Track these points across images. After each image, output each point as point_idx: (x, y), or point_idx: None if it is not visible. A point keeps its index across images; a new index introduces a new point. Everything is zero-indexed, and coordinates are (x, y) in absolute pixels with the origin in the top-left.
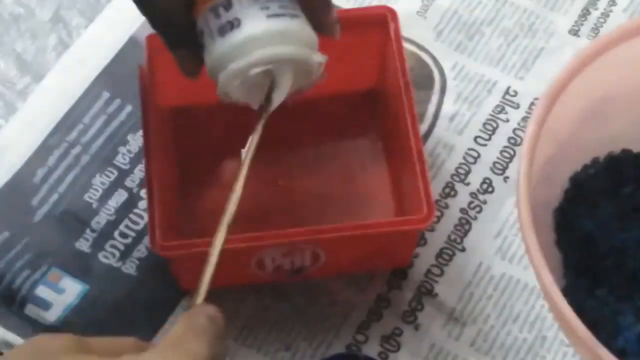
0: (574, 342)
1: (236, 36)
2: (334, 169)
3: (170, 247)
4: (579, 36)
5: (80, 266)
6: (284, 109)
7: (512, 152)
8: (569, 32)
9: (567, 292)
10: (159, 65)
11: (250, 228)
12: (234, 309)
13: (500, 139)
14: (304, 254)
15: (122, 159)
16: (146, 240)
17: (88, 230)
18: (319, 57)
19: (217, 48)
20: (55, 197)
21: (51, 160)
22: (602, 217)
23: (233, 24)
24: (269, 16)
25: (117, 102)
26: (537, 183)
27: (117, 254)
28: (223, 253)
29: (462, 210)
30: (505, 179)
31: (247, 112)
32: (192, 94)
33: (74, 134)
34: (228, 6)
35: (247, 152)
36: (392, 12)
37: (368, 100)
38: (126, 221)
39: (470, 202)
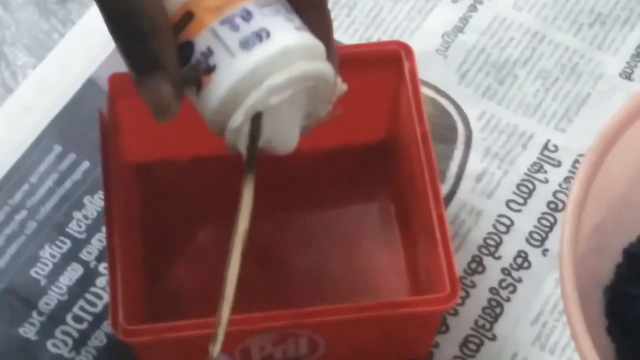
0: None
1: (269, 48)
2: (336, 238)
3: (137, 332)
4: (632, 80)
5: (24, 358)
6: (275, 164)
7: (552, 220)
8: (620, 74)
9: None
10: (123, 112)
11: (234, 312)
12: None
13: (537, 204)
14: (299, 341)
15: (76, 227)
16: (105, 325)
17: (34, 313)
18: (342, 85)
19: (243, 65)
20: None
21: None
22: None
23: (261, 36)
24: (297, 28)
25: (72, 157)
26: (583, 256)
27: (70, 342)
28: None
29: (491, 289)
30: (544, 252)
31: (229, 169)
32: (162, 147)
33: (18, 196)
34: (248, 17)
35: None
36: (407, 49)
37: (378, 155)
38: (81, 302)
39: (502, 280)
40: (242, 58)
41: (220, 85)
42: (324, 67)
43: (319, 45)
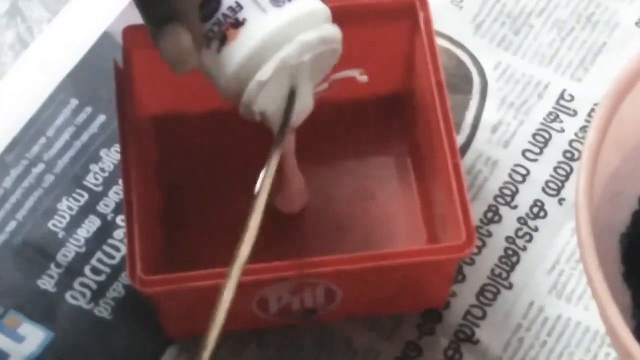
0: None
1: (299, 7)
2: (352, 189)
3: (154, 282)
4: None
5: (43, 309)
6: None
7: (568, 169)
8: (636, 23)
9: (638, 336)
10: (139, 65)
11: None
12: (232, 359)
13: (553, 153)
14: (316, 291)
15: (93, 180)
16: (123, 277)
17: (53, 266)
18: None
19: (275, 20)
20: (13, 225)
21: (8, 181)
22: None
23: None
24: None
25: (88, 110)
26: (599, 203)
27: (89, 293)
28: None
29: (508, 239)
30: (561, 200)
31: (246, 123)
32: (179, 99)
33: (35, 150)
34: None
35: (261, 187)
36: (422, 0)
37: (393, 106)
38: (99, 254)
39: (518, 229)
40: (274, 14)
41: (250, 38)
42: (339, 33)
43: (330, 13)
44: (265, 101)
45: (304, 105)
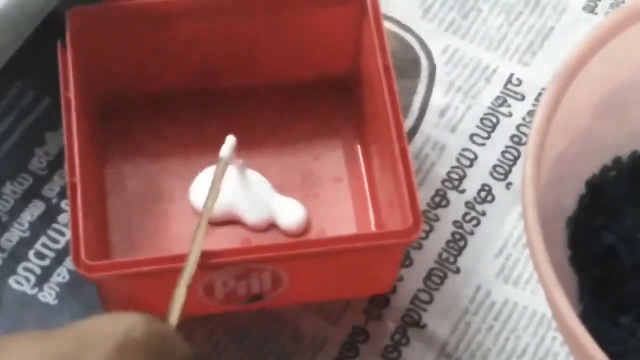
0: None
1: None
2: (298, 176)
3: (99, 268)
4: (596, 14)
5: None
6: (237, 101)
7: (516, 154)
8: (584, 9)
9: (584, 320)
10: (84, 48)
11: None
12: None
13: (501, 138)
14: (262, 276)
15: (38, 164)
16: (68, 262)
17: None
18: None
19: None
20: None
21: None
22: (626, 228)
23: None
24: None
25: (32, 94)
26: (546, 188)
27: (33, 278)
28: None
29: (455, 223)
30: (508, 185)
31: (194, 105)
32: (125, 82)
33: None
34: None
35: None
36: None
37: (341, 90)
38: (43, 239)
39: (466, 214)
40: None
41: None
42: None
43: None
44: None
45: None
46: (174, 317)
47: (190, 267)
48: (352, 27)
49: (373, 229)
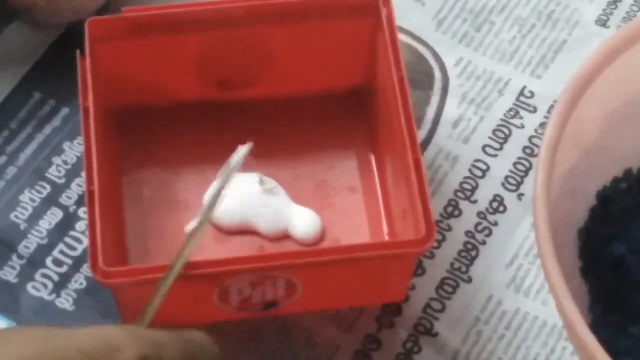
0: None
1: None
2: (313, 184)
3: (116, 274)
4: (607, 27)
5: (5, 300)
6: (251, 111)
7: (527, 165)
8: (596, 22)
9: (594, 330)
10: (102, 57)
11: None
12: None
13: (513, 149)
14: (276, 284)
15: (56, 172)
16: (85, 268)
17: (14, 257)
18: None
19: None
20: None
21: None
22: (636, 240)
23: None
24: None
25: (51, 103)
26: (557, 199)
27: (50, 285)
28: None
29: (467, 233)
30: (520, 196)
31: (210, 115)
32: (142, 92)
33: None
34: None
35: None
36: None
37: (355, 101)
38: (61, 246)
39: (478, 224)
40: None
41: None
42: None
43: None
44: None
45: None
46: (146, 321)
47: (175, 271)
48: (367, 38)
49: (386, 238)
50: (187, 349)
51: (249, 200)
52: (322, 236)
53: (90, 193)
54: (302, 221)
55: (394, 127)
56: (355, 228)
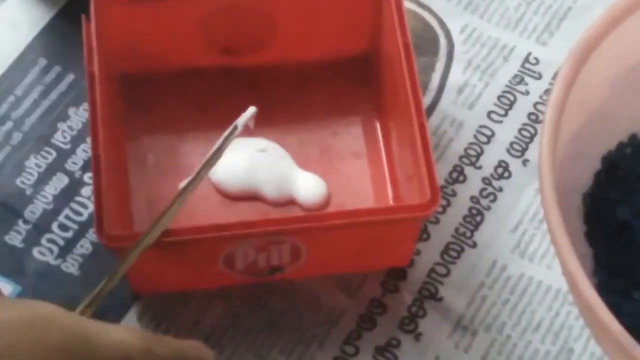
0: (610, 350)
1: None
2: (318, 152)
3: (121, 238)
4: None
5: (11, 264)
6: (255, 79)
7: (532, 131)
8: None
9: (599, 294)
10: (107, 23)
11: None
12: (197, 316)
13: (518, 115)
14: (282, 248)
15: (61, 138)
16: (90, 234)
17: (20, 222)
18: None
19: None
20: None
21: None
22: None
23: None
24: None
25: (57, 69)
26: (562, 163)
27: (56, 249)
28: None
29: (472, 198)
30: (525, 162)
31: (216, 81)
32: (147, 57)
33: (3, 108)
34: None
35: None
36: None
37: (360, 67)
38: (66, 211)
39: (483, 189)
40: None
41: None
42: None
43: None
44: None
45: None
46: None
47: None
48: (372, 3)
49: (391, 203)
50: None
51: (254, 165)
52: (327, 202)
53: (96, 157)
54: (308, 186)
55: (399, 93)
56: (360, 193)
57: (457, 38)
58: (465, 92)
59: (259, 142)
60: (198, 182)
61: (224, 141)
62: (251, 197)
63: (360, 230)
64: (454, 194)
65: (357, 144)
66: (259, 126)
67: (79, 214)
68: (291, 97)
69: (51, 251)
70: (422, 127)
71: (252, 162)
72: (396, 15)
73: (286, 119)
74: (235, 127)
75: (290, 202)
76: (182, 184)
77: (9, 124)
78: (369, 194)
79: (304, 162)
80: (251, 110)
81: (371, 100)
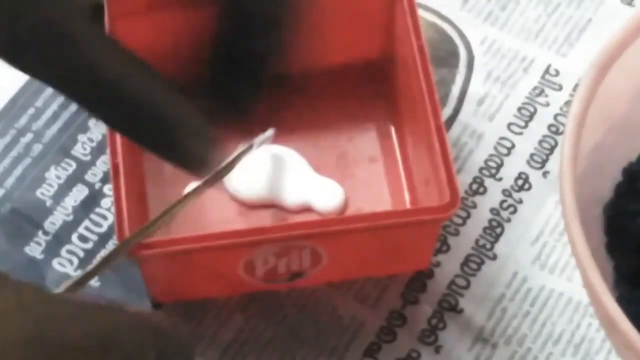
0: None
1: None
2: (334, 155)
3: (142, 246)
4: (633, 5)
5: (31, 275)
6: (269, 85)
7: (552, 142)
8: (622, 1)
9: (620, 306)
10: (123, 34)
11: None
12: (215, 327)
13: (538, 127)
14: (302, 253)
15: (81, 149)
16: (111, 245)
17: (40, 233)
18: None
19: None
20: (0, 193)
21: None
22: None
23: None
24: None
25: None
26: (583, 175)
27: (76, 261)
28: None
29: (492, 210)
30: (545, 174)
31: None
32: (165, 64)
33: (23, 120)
34: None
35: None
36: None
37: (374, 72)
38: (86, 222)
39: (503, 201)
40: None
41: None
42: None
43: None
44: None
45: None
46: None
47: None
48: (385, 8)
49: (408, 207)
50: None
51: (271, 173)
52: (345, 207)
53: (115, 166)
54: (325, 192)
55: (414, 96)
56: (378, 198)
57: (477, 49)
58: (486, 103)
59: (276, 149)
60: (200, 192)
61: (236, 158)
62: (268, 204)
63: (380, 233)
64: (474, 206)
65: (373, 149)
66: (275, 134)
67: (99, 225)
68: (305, 103)
69: (71, 262)
70: (439, 130)
71: (269, 169)
72: (410, 18)
73: (301, 125)
74: (251, 146)
75: (308, 209)
76: (187, 189)
77: (29, 136)
78: (386, 198)
79: (320, 168)
80: (270, 132)
81: (385, 106)
